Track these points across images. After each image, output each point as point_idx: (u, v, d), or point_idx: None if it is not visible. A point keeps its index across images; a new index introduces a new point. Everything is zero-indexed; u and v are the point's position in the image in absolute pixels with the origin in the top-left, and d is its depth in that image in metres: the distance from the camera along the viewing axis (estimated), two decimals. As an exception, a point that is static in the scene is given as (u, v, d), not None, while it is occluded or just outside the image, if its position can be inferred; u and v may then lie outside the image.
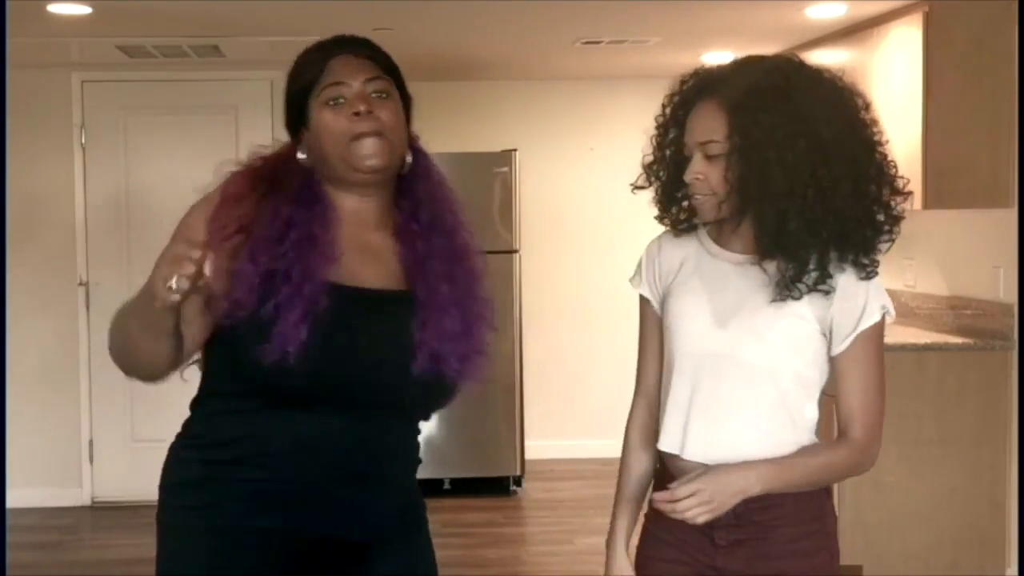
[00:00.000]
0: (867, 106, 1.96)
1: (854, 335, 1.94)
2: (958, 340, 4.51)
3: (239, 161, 1.96)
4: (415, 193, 1.99)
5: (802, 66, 1.95)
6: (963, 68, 4.37)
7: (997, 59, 4.18)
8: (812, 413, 2.00)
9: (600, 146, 6.83)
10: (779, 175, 1.86)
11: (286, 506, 1.87)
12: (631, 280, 2.15)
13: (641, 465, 2.12)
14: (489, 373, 2.00)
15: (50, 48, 5.49)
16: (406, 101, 1.98)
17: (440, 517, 5.58)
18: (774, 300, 1.92)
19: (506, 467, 6.14)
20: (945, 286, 4.86)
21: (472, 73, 6.59)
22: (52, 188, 6.01)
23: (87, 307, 5.99)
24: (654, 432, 2.08)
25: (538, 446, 6.59)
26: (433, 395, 1.95)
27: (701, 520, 1.86)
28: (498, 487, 6.14)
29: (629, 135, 8.33)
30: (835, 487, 2.59)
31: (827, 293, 1.92)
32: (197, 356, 1.94)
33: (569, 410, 6.92)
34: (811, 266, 1.90)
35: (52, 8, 4.54)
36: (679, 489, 1.86)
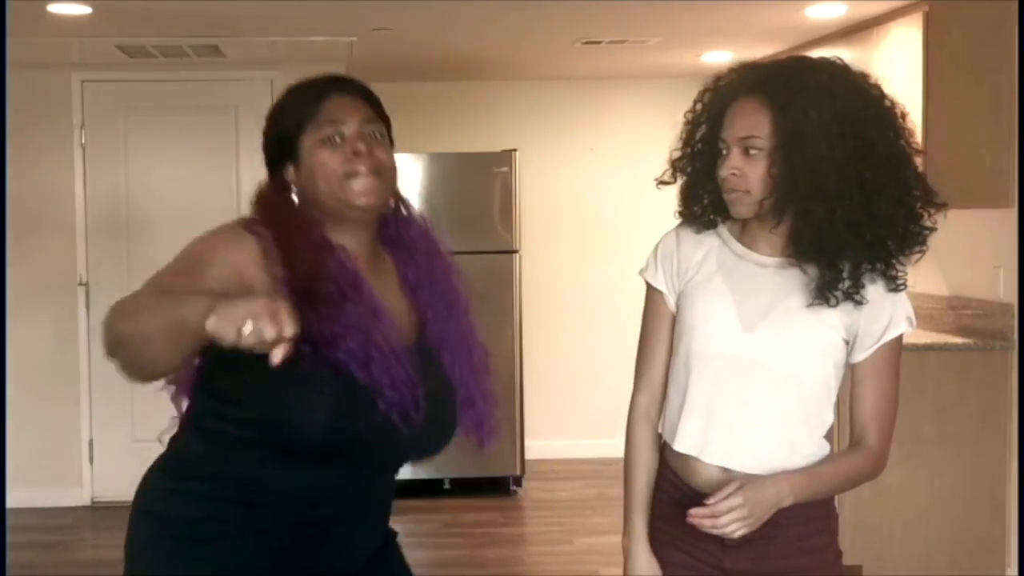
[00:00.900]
0: (904, 115, 1.95)
1: (878, 345, 1.95)
2: (958, 340, 4.50)
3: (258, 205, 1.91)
4: (405, 237, 1.98)
5: (847, 67, 1.94)
6: (963, 68, 4.37)
7: (997, 59, 4.17)
8: (830, 418, 2.00)
9: (600, 146, 6.83)
10: (831, 173, 1.84)
11: (279, 547, 1.85)
12: (643, 272, 2.11)
13: (651, 463, 2.08)
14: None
15: (50, 48, 5.49)
16: (389, 129, 1.97)
17: (440, 517, 5.58)
18: (810, 304, 1.91)
19: (506, 467, 6.13)
20: (945, 286, 4.86)
21: (472, 73, 6.59)
22: (52, 188, 6.01)
23: (87, 307, 5.98)
24: (657, 427, 2.07)
25: (538, 446, 6.59)
26: (444, 447, 1.96)
27: (738, 535, 1.84)
28: (498, 487, 6.13)
29: (629, 135, 8.36)
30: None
31: (859, 303, 1.91)
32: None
33: (569, 410, 6.92)
34: (845, 273, 1.89)
35: (52, 8, 4.54)
36: (719, 505, 1.82)
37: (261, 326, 1.48)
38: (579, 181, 6.89)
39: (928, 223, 1.94)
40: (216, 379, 1.84)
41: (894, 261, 1.92)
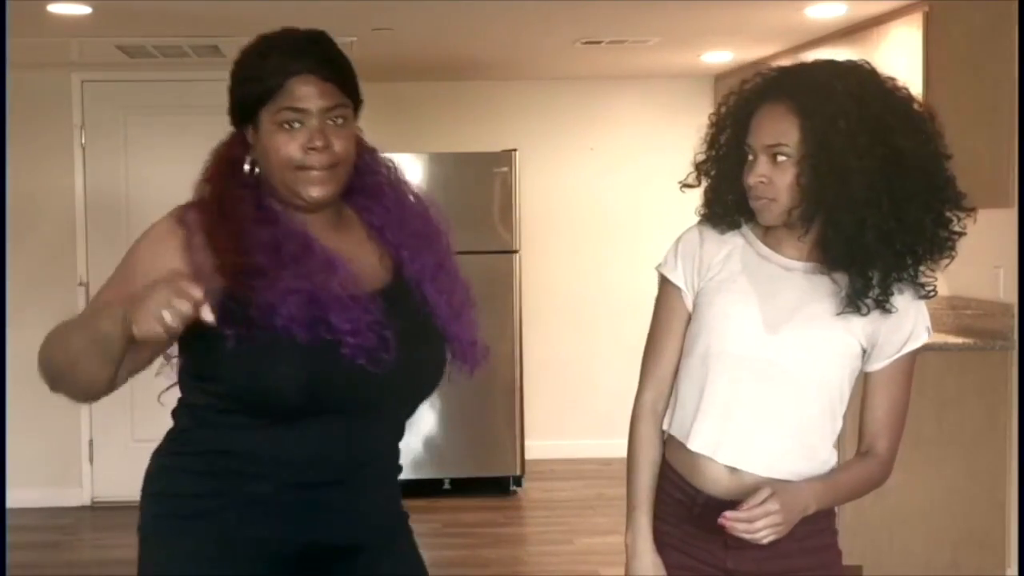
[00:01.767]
0: (932, 118, 1.94)
1: (897, 356, 1.94)
2: (958, 340, 4.50)
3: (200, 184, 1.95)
4: (368, 183, 1.98)
5: (874, 72, 1.92)
6: (963, 68, 4.37)
7: (997, 59, 4.17)
8: (839, 425, 1.99)
9: (600, 146, 6.82)
10: (860, 182, 1.82)
11: (280, 514, 1.86)
12: (660, 266, 2.07)
13: (655, 460, 2.06)
14: (488, 364, 2.01)
15: (50, 48, 5.49)
16: (357, 105, 1.94)
17: (440, 517, 5.57)
18: (840, 312, 1.89)
19: (506, 467, 6.13)
20: (945, 286, 4.86)
21: (472, 73, 6.59)
22: (52, 188, 6.01)
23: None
24: (662, 424, 2.06)
25: (538, 446, 6.59)
26: (433, 387, 1.96)
27: (767, 541, 1.82)
28: (498, 487, 6.13)
29: (629, 135, 8.34)
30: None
31: (888, 312, 1.89)
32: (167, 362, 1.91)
33: (569, 410, 6.92)
34: (875, 282, 1.87)
35: (52, 8, 4.53)
36: (756, 510, 1.80)
37: (175, 305, 1.58)
38: (579, 181, 6.89)
39: (957, 228, 1.91)
40: (194, 362, 1.89)
41: (923, 268, 1.91)
